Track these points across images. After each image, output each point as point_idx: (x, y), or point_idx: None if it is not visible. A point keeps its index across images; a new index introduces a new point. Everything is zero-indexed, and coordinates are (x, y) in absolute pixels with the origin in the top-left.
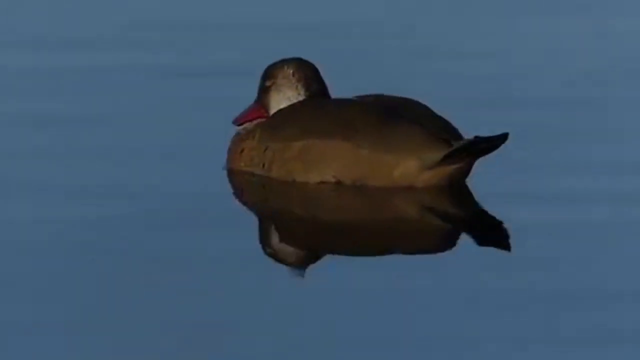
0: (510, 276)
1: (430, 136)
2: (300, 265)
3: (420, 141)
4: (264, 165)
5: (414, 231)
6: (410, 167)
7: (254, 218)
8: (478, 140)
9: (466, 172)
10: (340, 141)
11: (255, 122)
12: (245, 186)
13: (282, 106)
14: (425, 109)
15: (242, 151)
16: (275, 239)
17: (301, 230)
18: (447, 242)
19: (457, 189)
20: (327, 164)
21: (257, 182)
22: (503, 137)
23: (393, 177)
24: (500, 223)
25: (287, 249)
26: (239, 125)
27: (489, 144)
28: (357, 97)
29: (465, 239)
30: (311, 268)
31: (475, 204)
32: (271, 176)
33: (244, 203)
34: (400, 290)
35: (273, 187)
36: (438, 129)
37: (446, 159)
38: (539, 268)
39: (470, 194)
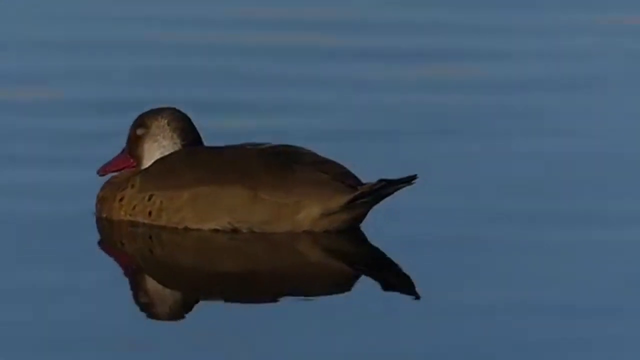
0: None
1: (334, 181)
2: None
3: (323, 186)
4: (150, 214)
5: (313, 275)
6: (313, 212)
7: (142, 269)
8: (384, 184)
9: (363, 215)
10: (237, 187)
11: (125, 171)
12: (129, 236)
13: (156, 155)
14: (316, 155)
15: (121, 199)
16: (162, 288)
17: (194, 278)
18: (347, 286)
19: (353, 233)
20: (223, 211)
21: (142, 231)
22: (410, 179)
23: (294, 222)
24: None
25: (168, 298)
26: (102, 175)
27: (395, 187)
28: (241, 145)
29: (366, 283)
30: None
31: (374, 247)
32: (160, 224)
33: (131, 253)
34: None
35: (161, 237)
36: (340, 175)
37: (350, 204)
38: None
39: (365, 238)
